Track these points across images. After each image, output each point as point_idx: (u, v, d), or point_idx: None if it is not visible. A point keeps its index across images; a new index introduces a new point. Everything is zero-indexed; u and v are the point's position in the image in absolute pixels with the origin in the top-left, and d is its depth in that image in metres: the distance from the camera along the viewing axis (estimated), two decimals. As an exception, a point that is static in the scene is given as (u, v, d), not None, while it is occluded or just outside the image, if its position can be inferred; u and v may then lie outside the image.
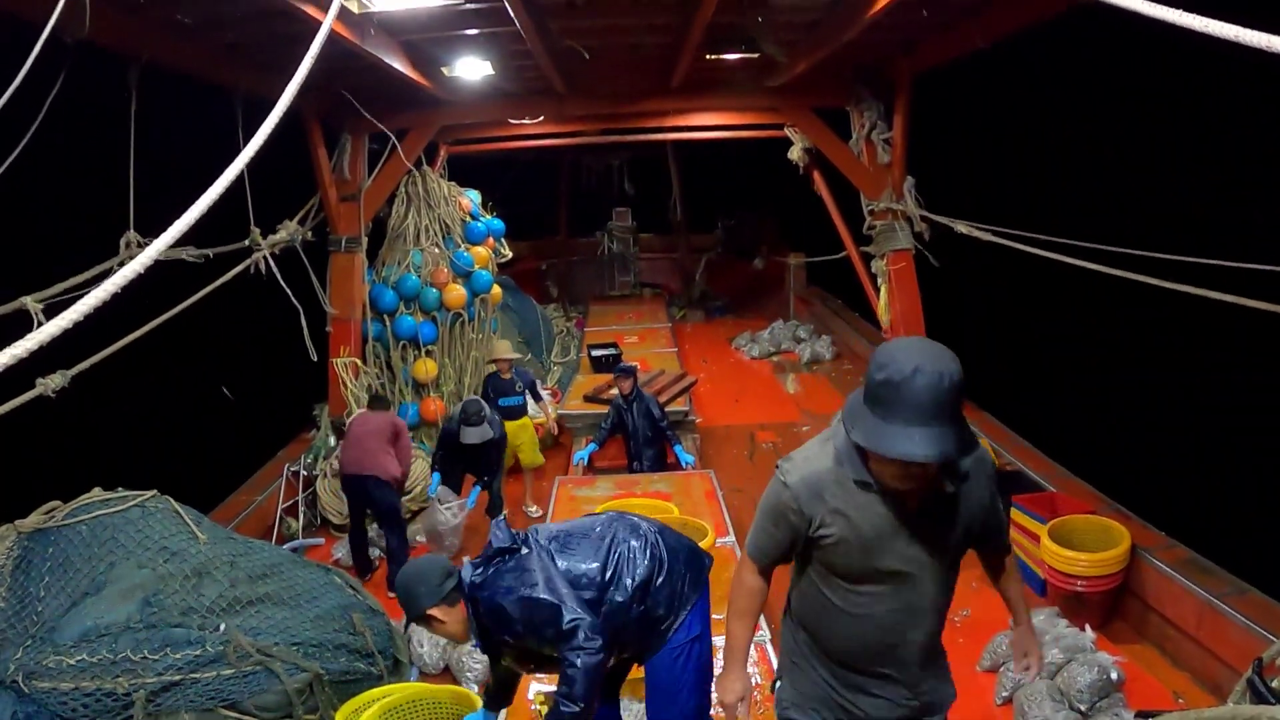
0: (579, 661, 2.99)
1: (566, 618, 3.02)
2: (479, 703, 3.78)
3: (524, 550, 3.24)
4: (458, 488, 7.40)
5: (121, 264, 1.92)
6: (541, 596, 3.06)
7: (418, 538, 7.64)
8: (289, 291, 7.66)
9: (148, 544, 4.44)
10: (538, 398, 8.24)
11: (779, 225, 16.17)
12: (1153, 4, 2.02)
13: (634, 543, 3.34)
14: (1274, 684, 3.33)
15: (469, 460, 7.26)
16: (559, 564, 3.22)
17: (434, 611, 3.15)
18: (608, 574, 3.24)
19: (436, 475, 7.26)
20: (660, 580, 3.29)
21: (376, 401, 7.26)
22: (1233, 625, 4.74)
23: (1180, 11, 1.93)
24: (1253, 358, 8.37)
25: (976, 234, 7.56)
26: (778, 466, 2.58)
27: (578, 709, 3.01)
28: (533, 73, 8.25)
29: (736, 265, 16.79)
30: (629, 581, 3.25)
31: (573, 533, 3.39)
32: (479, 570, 3.21)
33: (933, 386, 2.14)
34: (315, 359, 7.98)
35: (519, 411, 8.03)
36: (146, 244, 1.94)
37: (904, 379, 2.16)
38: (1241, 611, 4.78)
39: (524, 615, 3.07)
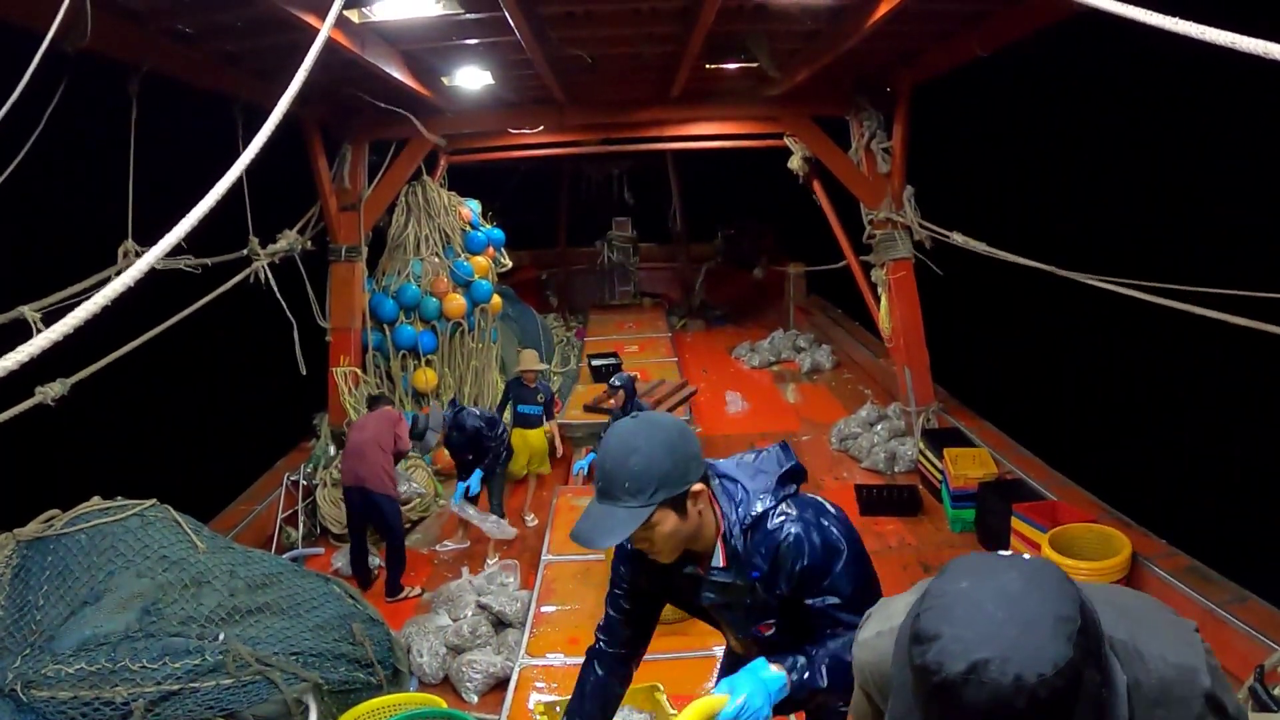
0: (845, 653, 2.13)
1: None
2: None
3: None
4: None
5: (119, 273, 1.91)
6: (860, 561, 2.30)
7: (421, 549, 7.65)
8: (284, 304, 7.68)
9: (147, 553, 4.42)
10: (550, 415, 8.24)
11: (779, 234, 16.18)
12: (1150, 11, 2.02)
13: None
14: (1276, 691, 3.33)
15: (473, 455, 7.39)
16: None
17: (700, 487, 2.25)
18: None
19: (460, 485, 7.34)
20: None
21: (374, 401, 7.29)
22: (1234, 633, 4.72)
23: (1177, 19, 1.93)
24: (1251, 366, 8.38)
25: (972, 246, 7.60)
26: (865, 617, 1.84)
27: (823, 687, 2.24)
28: (533, 82, 8.28)
29: (736, 274, 16.78)
30: None
31: None
32: (772, 490, 2.33)
33: (999, 706, 1.15)
34: (305, 372, 7.97)
35: (536, 420, 8.06)
36: (144, 253, 1.94)
37: (947, 684, 1.19)
38: (1242, 619, 4.76)
39: (820, 558, 2.25)
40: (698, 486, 2.22)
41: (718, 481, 2.34)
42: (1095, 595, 1.31)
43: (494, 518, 7.26)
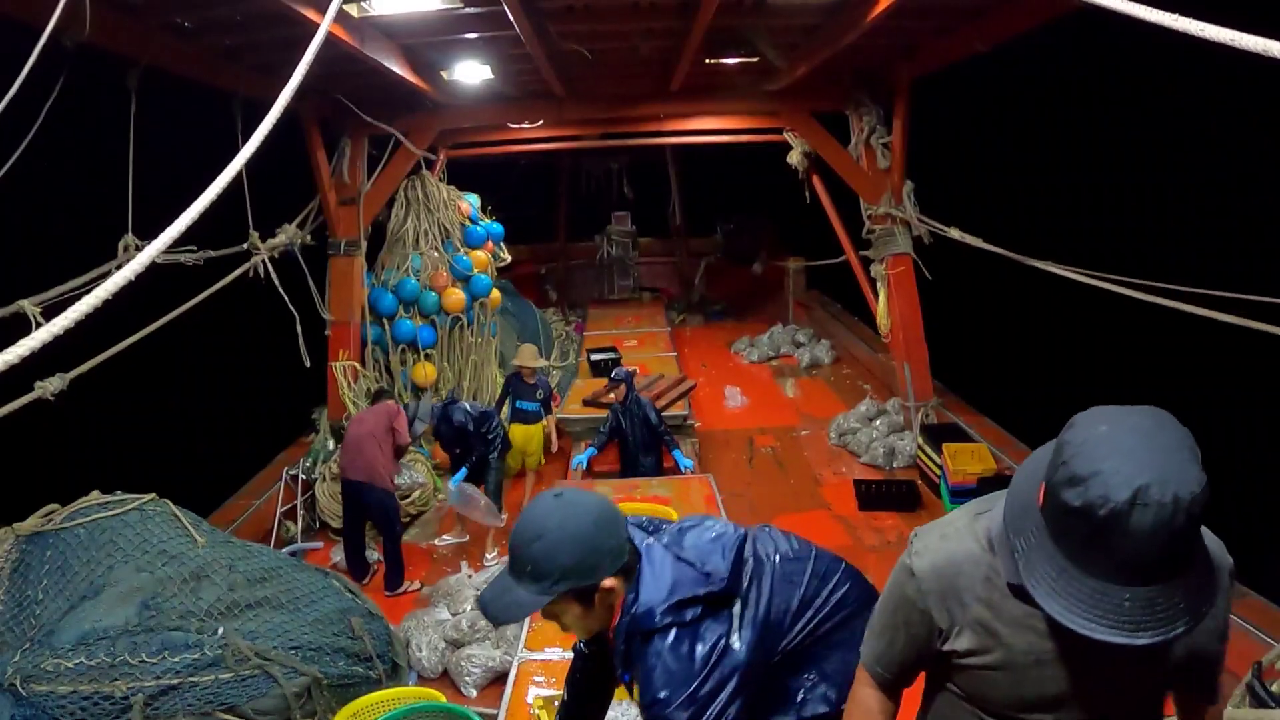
0: None
1: None
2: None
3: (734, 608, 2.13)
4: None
5: (119, 267, 1.91)
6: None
7: (420, 543, 7.66)
8: (285, 297, 7.67)
9: (146, 547, 4.44)
10: (548, 410, 8.25)
11: (778, 229, 16.16)
12: (1149, 8, 2.02)
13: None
14: (1273, 688, 3.33)
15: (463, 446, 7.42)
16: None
17: (611, 583, 2.05)
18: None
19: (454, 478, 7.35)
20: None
21: (377, 395, 7.29)
22: (1231, 629, 4.72)
23: (1177, 16, 1.93)
24: (1251, 364, 8.37)
25: (968, 241, 7.61)
26: (910, 540, 1.84)
27: None
28: (532, 76, 8.26)
29: (736, 269, 16.77)
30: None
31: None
32: (664, 610, 2.06)
33: (1162, 526, 1.33)
34: (309, 364, 7.99)
35: (535, 416, 8.06)
36: (144, 247, 1.93)
37: (1114, 513, 1.34)
38: (1240, 616, 4.77)
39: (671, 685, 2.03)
40: (609, 583, 2.02)
41: (638, 566, 2.11)
42: None
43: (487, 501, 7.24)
